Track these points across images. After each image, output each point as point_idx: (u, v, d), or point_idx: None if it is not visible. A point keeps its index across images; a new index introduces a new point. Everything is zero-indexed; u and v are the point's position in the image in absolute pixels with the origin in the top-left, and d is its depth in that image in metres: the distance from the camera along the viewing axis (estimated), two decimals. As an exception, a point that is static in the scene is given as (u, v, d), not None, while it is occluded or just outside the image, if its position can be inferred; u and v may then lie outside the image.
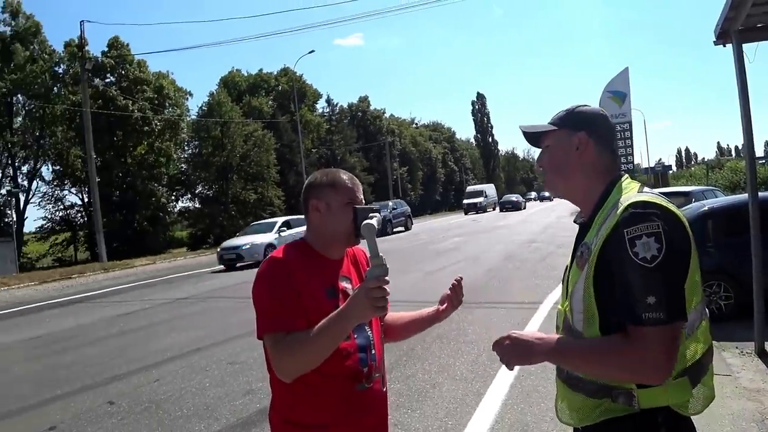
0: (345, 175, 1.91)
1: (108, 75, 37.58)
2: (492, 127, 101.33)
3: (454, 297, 2.05)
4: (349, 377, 1.80)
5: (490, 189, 56.91)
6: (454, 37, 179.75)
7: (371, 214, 1.78)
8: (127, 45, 38.13)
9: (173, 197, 42.71)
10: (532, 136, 1.73)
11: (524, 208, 49.69)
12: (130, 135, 36.47)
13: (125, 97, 35.77)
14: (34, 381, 6.73)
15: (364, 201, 1.92)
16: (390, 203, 33.11)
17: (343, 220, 1.84)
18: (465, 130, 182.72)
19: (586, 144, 1.62)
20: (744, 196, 6.62)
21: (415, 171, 67.42)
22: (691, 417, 1.45)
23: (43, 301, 14.81)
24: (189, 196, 43.58)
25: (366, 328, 1.88)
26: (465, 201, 51.91)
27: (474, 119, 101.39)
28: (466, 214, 48.47)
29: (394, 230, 31.05)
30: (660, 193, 1.57)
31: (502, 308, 8.54)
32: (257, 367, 6.14)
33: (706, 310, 1.51)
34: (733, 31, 5.40)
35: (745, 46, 5.51)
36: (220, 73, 58.18)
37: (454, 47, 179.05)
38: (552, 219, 31.32)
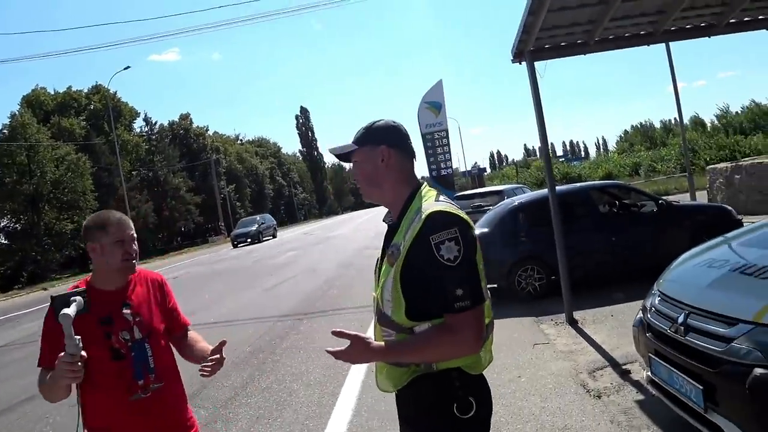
0: (114, 216, 2.18)
1: None
2: (317, 141, 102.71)
3: (220, 359, 2.18)
4: (122, 390, 2.08)
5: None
6: (274, 53, 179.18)
7: (72, 298, 1.91)
8: None
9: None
10: (343, 155, 1.94)
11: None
12: None
13: None
14: None
15: (135, 235, 2.21)
16: (258, 218, 40.90)
17: (114, 257, 2.12)
18: (291, 145, 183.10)
19: (389, 155, 1.85)
20: (545, 191, 7.58)
21: (242, 188, 66.17)
22: (482, 374, 1.79)
23: None
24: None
25: (146, 345, 2.14)
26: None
27: (299, 133, 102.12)
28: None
29: (263, 239, 37.14)
30: (453, 198, 1.90)
31: (345, 314, 8.89)
32: None
33: (488, 291, 1.83)
34: (527, 51, 6.26)
35: (537, 64, 6.39)
36: (23, 91, 50.74)
37: (275, 62, 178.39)
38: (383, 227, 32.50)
